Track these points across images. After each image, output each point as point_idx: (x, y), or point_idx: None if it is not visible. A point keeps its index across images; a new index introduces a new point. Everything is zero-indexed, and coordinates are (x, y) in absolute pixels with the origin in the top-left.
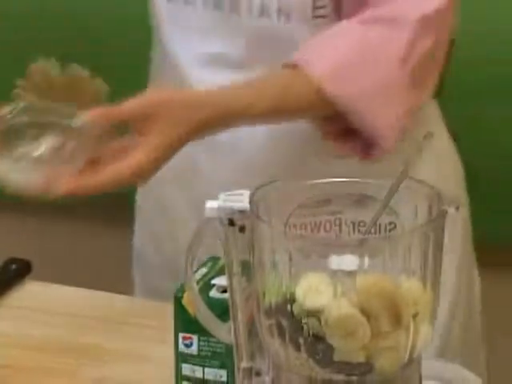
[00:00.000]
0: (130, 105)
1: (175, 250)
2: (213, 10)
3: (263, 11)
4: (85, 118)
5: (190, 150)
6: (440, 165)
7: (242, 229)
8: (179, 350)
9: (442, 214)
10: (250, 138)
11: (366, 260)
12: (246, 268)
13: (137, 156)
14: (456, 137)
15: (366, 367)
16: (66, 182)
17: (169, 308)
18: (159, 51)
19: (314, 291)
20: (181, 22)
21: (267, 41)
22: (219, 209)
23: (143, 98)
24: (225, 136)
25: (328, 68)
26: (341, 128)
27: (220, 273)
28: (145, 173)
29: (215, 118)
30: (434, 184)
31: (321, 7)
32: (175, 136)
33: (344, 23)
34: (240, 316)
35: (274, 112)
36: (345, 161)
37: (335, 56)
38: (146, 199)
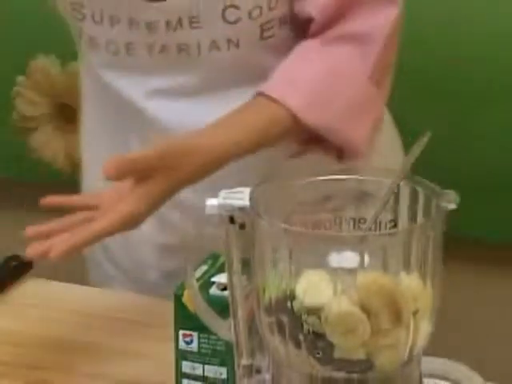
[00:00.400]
0: (144, 155)
1: (135, 266)
2: (159, 53)
3: (213, 46)
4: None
5: None
6: (387, 155)
7: (242, 226)
8: (179, 347)
9: (442, 212)
10: None
11: (367, 257)
12: (246, 266)
13: (125, 207)
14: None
15: (367, 364)
16: (60, 243)
17: (169, 305)
18: (96, 88)
19: (314, 289)
20: (126, 67)
21: (220, 69)
22: (219, 206)
23: (153, 149)
24: None
25: (304, 99)
26: (311, 137)
27: (220, 270)
28: (137, 222)
29: (209, 161)
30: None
31: (268, 29)
32: (172, 185)
33: (309, 45)
34: (240, 313)
35: (259, 145)
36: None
37: (308, 84)
38: None
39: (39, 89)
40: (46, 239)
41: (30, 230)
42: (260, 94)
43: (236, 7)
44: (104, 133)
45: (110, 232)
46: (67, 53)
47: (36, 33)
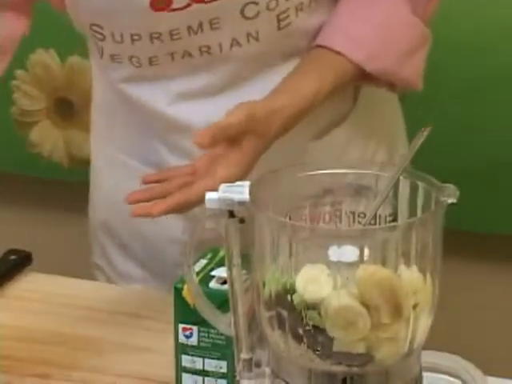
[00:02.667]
0: (236, 120)
1: (160, 264)
2: (181, 59)
3: (234, 43)
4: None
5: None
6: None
7: (242, 220)
8: (179, 341)
9: (441, 205)
10: None
11: (366, 251)
12: (246, 260)
13: (223, 172)
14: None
15: (366, 358)
16: (161, 203)
17: (169, 299)
18: (116, 100)
19: (313, 283)
20: (149, 77)
21: (242, 63)
22: (219, 200)
23: (242, 112)
24: None
25: (366, 52)
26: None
27: (220, 264)
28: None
29: (292, 116)
30: None
31: (284, 18)
32: (263, 146)
33: None
34: (240, 307)
35: (329, 95)
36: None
37: (369, 37)
38: (112, 217)
39: (38, 83)
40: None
41: (133, 197)
42: (322, 47)
43: (255, 3)
44: (127, 140)
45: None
46: (67, 47)
47: (35, 27)
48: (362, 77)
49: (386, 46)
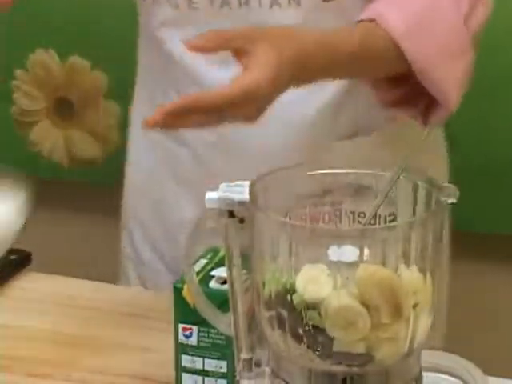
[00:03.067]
0: (235, 30)
1: (175, 252)
2: (220, 7)
3: (274, 2)
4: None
5: (201, 152)
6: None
7: (241, 220)
8: (179, 340)
9: (442, 205)
10: (261, 134)
11: (366, 251)
12: (246, 259)
13: (243, 76)
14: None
15: (366, 358)
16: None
17: (169, 299)
18: (155, 56)
19: (313, 283)
20: (187, 25)
21: None
22: (219, 200)
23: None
24: (236, 135)
25: (404, 25)
26: (402, 97)
27: (220, 264)
28: (262, 90)
29: (314, 49)
30: None
31: None
32: (280, 58)
33: None
34: (240, 307)
35: (357, 58)
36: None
37: (410, 13)
38: (139, 201)
39: (38, 83)
40: None
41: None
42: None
43: None
44: (150, 96)
45: (229, 97)
46: (67, 47)
47: (36, 27)
48: (400, 64)
49: (427, 32)
